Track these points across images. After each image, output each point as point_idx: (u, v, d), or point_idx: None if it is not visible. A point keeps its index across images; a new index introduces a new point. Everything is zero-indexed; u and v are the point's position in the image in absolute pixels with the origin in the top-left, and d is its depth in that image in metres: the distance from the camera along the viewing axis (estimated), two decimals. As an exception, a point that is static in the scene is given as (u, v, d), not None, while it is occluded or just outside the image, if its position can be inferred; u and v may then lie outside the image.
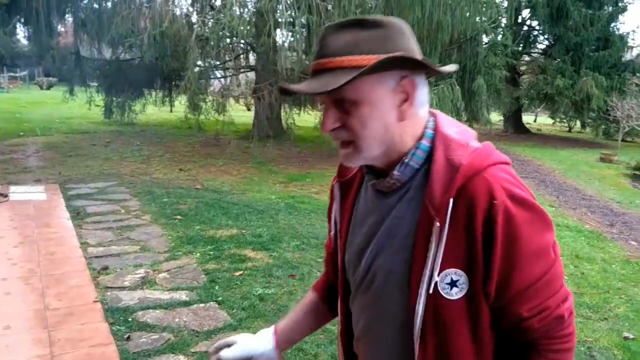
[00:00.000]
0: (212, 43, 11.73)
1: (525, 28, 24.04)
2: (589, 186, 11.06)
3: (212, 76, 14.36)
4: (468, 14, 11.53)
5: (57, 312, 3.57)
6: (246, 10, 11.35)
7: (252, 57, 15.69)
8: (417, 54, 0.98)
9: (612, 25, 21.51)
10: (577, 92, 19.37)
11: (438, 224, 0.94)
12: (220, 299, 3.94)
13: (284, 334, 1.34)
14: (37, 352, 3.06)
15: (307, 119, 13.68)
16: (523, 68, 24.82)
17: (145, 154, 10.90)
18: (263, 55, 12.51)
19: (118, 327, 3.43)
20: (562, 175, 12.33)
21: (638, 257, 6.19)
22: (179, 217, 6.11)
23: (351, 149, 1.00)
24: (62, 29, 15.91)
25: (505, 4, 17.27)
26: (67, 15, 14.16)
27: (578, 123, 26.01)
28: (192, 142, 13.02)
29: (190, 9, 13.72)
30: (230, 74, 14.90)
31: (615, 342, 3.87)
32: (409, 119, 1.00)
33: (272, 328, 1.35)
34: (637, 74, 19.11)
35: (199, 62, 12.92)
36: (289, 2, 10.89)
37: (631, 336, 3.98)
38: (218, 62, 14.50)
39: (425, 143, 1.02)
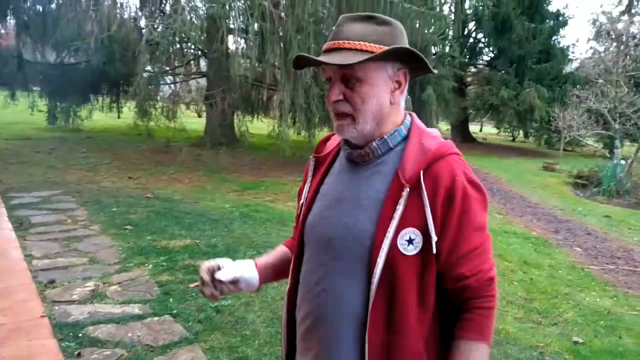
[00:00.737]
0: (162, 48, 11.54)
1: (472, 40, 24.92)
2: (534, 194, 11.49)
3: (162, 82, 14.08)
4: (417, 25, 11.81)
5: (2, 327, 3.37)
6: (197, 15, 11.20)
7: (203, 63, 15.49)
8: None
9: (553, 38, 22.60)
10: (520, 102, 20.17)
11: (408, 189, 1.15)
12: (175, 311, 3.83)
13: (263, 269, 1.47)
14: (-21, 372, 2.88)
15: (260, 126, 13.60)
16: (469, 79, 25.65)
17: (92, 162, 10.54)
18: (215, 61, 12.38)
19: (67, 343, 3.27)
20: (508, 183, 12.77)
21: (582, 262, 6.46)
22: (129, 227, 5.92)
23: (348, 121, 1.20)
24: (3, 31, 15.20)
25: (453, 16, 17.84)
26: (8, 17, 13.54)
27: (521, 133, 27.08)
28: (141, 149, 12.67)
29: (140, 13, 13.43)
30: (181, 79, 14.66)
31: (566, 346, 4.01)
32: (396, 105, 1.23)
33: (252, 261, 1.48)
34: (577, 86, 20.05)
35: (148, 67, 12.66)
36: (241, 8, 10.84)
37: (580, 340, 4.14)
38: (168, 68, 14.24)
39: (403, 130, 1.25)
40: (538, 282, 5.50)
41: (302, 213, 1.35)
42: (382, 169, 1.21)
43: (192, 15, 10.78)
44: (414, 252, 1.15)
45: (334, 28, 1.22)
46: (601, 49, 19.09)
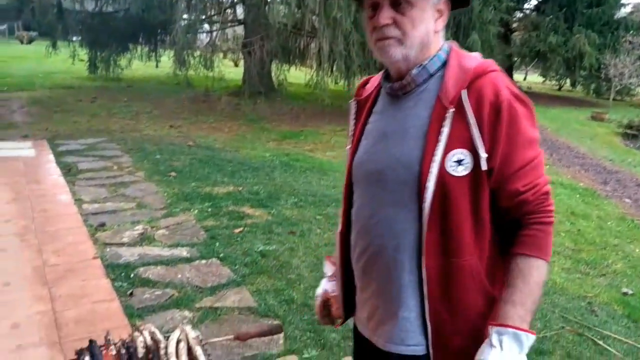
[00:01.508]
0: (199, -6, 11.35)
1: (519, -17, 23.60)
2: (582, 144, 11.10)
3: (199, 30, 13.95)
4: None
5: (57, 268, 3.49)
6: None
7: (240, 11, 15.23)
8: None
9: (605, -19, 21.19)
10: (569, 49, 19.20)
11: (452, 110, 1.14)
12: (221, 255, 3.90)
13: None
14: (39, 308, 3.00)
15: (298, 75, 13.43)
16: (515, 25, 24.49)
17: (133, 110, 10.66)
18: (253, 8, 12.15)
19: (120, 283, 3.37)
20: (555, 133, 12.35)
21: (632, 214, 6.26)
22: (173, 174, 6.00)
23: (395, 42, 1.18)
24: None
25: (501, -43, 16.86)
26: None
27: (568, 81, 25.95)
28: (181, 98, 12.73)
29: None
30: (218, 27, 14.49)
31: (615, 297, 3.92)
32: (438, 33, 1.23)
33: (329, 264, 1.56)
34: (630, 32, 18.93)
35: (185, 16, 12.54)
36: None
37: (630, 292, 4.03)
38: (205, 16, 14.07)
39: (442, 55, 1.23)
40: (586, 233, 5.36)
41: (349, 155, 1.36)
42: (424, 97, 1.21)
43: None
44: (465, 172, 1.13)
45: None
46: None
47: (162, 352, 1.42)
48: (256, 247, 4.07)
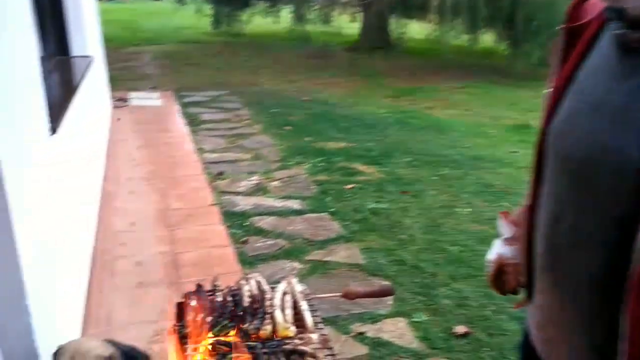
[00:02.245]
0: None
1: None
2: None
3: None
4: None
5: (178, 212, 3.69)
6: None
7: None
8: None
9: None
10: None
11: None
12: (332, 210, 3.87)
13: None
14: (160, 248, 3.19)
15: (417, 30, 12.88)
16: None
17: (253, 65, 10.91)
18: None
19: (235, 230, 3.48)
20: None
21: None
22: (288, 127, 6.07)
23: None
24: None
25: None
26: None
27: None
28: (298, 53, 12.81)
29: None
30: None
31: None
32: None
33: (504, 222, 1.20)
34: None
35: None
36: None
37: None
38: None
39: None
40: None
41: (546, 109, 0.95)
42: None
43: None
44: None
45: None
46: None
47: (267, 302, 1.39)
48: (367, 205, 3.99)
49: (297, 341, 1.26)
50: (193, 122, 6.11)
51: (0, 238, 1.38)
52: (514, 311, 2.58)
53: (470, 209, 3.98)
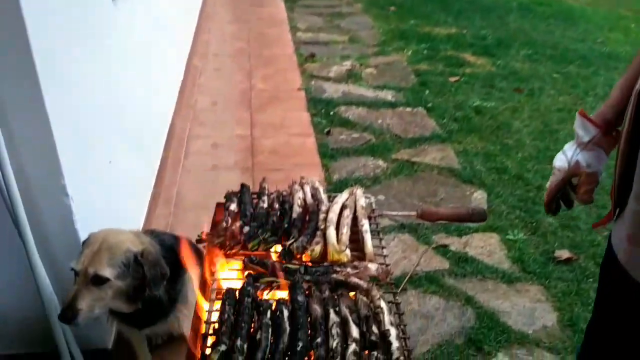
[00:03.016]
0: None
1: None
2: None
3: None
4: None
5: (262, 94, 3.45)
6: None
7: None
8: None
9: None
10: None
11: None
12: (430, 105, 3.45)
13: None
14: (239, 131, 3.00)
15: None
16: None
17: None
18: None
19: (319, 119, 3.20)
20: None
21: None
22: (392, 8, 5.49)
23: None
24: None
25: None
26: None
27: None
28: None
29: None
30: None
31: None
32: None
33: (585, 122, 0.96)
34: None
35: None
36: None
37: None
38: None
39: None
40: None
41: None
42: None
43: None
44: None
45: None
46: None
47: (321, 216, 1.11)
48: (471, 101, 3.51)
49: (349, 270, 0.99)
50: (291, -3, 5.68)
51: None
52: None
53: (595, 116, 3.38)
